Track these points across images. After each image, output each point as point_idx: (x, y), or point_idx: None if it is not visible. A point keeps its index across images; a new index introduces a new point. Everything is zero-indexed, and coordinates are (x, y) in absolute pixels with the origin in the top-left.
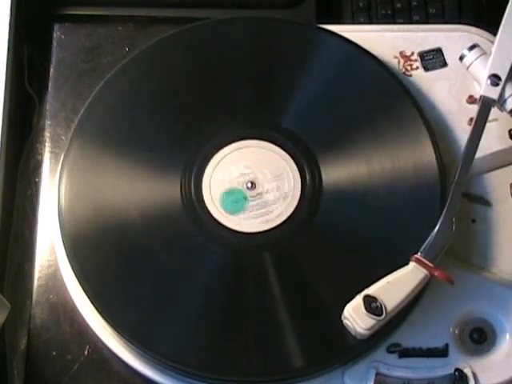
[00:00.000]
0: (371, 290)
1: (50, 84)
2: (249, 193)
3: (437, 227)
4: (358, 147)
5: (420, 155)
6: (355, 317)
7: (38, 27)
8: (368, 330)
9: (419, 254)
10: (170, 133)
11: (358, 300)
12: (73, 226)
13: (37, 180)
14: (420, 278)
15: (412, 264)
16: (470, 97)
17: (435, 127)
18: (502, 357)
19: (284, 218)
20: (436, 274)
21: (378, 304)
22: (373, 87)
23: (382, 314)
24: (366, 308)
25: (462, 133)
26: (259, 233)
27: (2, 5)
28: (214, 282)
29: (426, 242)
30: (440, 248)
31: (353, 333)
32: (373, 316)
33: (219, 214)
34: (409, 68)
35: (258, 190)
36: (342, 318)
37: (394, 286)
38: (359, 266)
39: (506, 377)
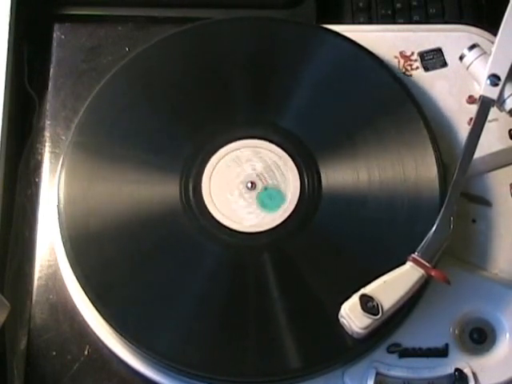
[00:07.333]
0: (368, 290)
1: (50, 84)
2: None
3: (434, 227)
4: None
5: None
6: (351, 316)
7: (38, 27)
8: (364, 329)
9: (416, 253)
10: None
11: (355, 299)
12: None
13: (37, 180)
14: (416, 277)
15: (409, 264)
16: (470, 97)
17: (435, 127)
18: (502, 357)
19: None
20: (433, 273)
21: (374, 303)
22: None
23: (379, 313)
24: (362, 307)
25: (462, 133)
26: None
27: (2, 5)
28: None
29: (424, 242)
30: (437, 248)
31: (349, 332)
32: (369, 315)
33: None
34: (409, 68)
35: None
36: (339, 316)
37: (391, 286)
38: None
39: (505, 377)
